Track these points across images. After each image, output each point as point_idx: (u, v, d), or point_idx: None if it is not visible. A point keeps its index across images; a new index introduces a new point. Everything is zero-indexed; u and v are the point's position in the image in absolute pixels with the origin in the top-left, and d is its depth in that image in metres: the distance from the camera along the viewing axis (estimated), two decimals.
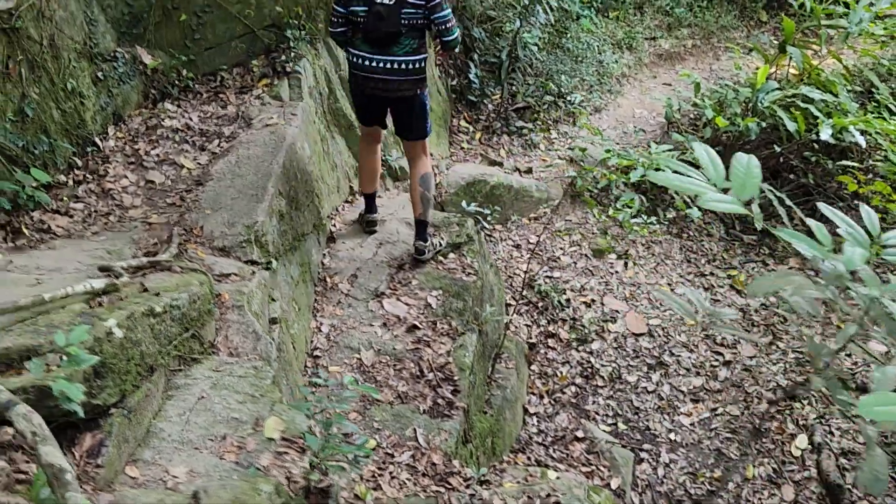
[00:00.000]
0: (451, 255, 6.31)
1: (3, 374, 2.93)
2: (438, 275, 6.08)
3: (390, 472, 4.85)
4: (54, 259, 4.39)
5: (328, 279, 5.94)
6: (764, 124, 8.57)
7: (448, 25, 5.46)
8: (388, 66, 5.52)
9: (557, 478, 5.23)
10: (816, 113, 8.37)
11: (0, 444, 2.62)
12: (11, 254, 4.49)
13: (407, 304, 5.83)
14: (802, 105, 8.48)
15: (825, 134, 7.90)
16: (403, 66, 5.53)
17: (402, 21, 5.38)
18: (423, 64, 5.63)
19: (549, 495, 5.09)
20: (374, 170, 6.38)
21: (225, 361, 4.05)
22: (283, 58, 6.52)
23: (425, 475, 4.92)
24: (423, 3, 5.35)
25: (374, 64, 5.53)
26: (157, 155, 5.77)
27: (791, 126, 8.32)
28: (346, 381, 3.58)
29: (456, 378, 5.43)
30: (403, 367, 5.44)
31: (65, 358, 2.80)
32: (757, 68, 10.08)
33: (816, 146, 8.76)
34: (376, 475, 4.80)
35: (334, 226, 6.52)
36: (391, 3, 5.34)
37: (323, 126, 6.77)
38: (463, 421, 5.32)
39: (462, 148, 9.15)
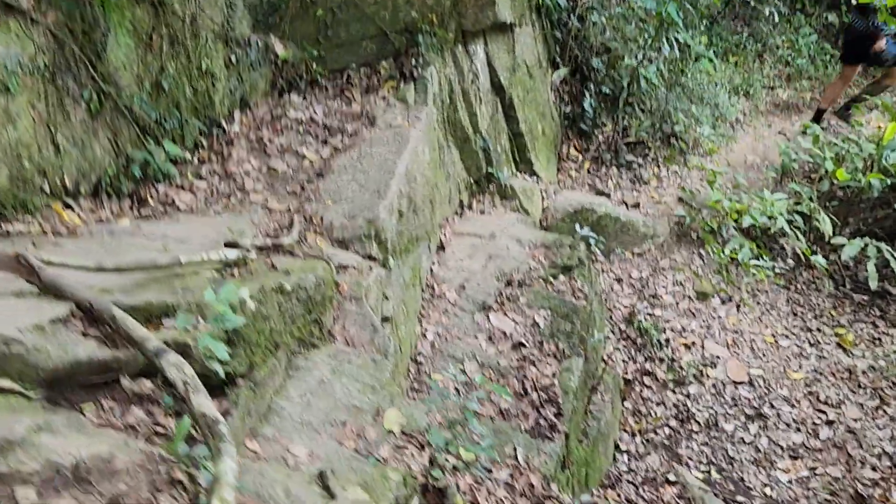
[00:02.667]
0: (562, 277, 6.17)
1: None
2: (548, 294, 5.93)
3: (487, 488, 4.69)
4: (180, 230, 4.37)
5: (436, 286, 5.84)
6: (888, 182, 8.25)
7: None
8: None
9: None
10: None
11: (139, 395, 2.55)
12: (138, 221, 4.48)
13: (514, 321, 5.69)
14: None
15: None
16: None
17: None
18: None
19: None
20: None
21: (342, 350, 3.96)
22: (413, 62, 6.48)
23: (523, 495, 4.74)
24: None
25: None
26: (281, 144, 5.76)
27: None
28: (477, 380, 3.44)
29: (560, 400, 5.26)
30: (507, 384, 5.29)
31: (207, 318, 2.73)
32: (878, 127, 9.77)
33: None
34: (473, 489, 4.64)
35: (444, 235, 6.43)
36: None
37: (441, 135, 6.70)
38: (563, 445, 5.14)
39: (570, 175, 9.02)
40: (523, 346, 5.52)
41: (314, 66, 6.33)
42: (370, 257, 4.87)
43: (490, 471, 4.85)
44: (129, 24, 4.76)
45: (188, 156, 5.35)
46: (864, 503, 6.51)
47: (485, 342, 5.50)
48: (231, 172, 5.39)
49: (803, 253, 8.43)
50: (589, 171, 9.20)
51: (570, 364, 5.47)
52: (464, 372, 5.29)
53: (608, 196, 8.79)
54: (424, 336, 5.47)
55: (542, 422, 5.14)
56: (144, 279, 3.21)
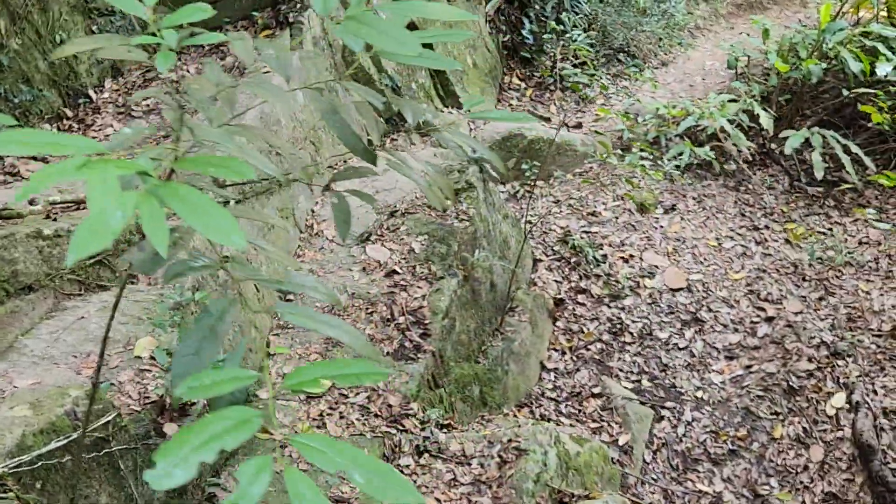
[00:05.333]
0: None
1: None
2: (428, 220, 5.92)
3: (340, 413, 4.76)
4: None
5: (315, 226, 5.89)
6: (825, 65, 7.91)
7: None
8: None
9: (519, 425, 5.01)
10: (885, 51, 7.67)
11: None
12: None
13: (391, 250, 5.71)
14: (870, 44, 7.79)
15: (882, 70, 7.23)
16: None
17: None
18: None
19: (510, 440, 4.89)
20: None
21: (136, 289, 4.06)
22: (286, 8, 6.51)
23: (378, 416, 4.79)
24: None
25: None
26: (147, 104, 5.87)
27: (855, 67, 7.65)
28: (198, 297, 3.50)
29: (427, 321, 5.28)
30: (375, 311, 5.33)
31: None
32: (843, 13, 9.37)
33: (893, 88, 8.00)
34: (324, 414, 4.72)
35: None
36: None
37: (334, 77, 6.71)
38: (431, 365, 5.16)
39: (510, 105, 8.92)
40: (396, 272, 5.54)
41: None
42: None
43: (346, 396, 4.93)
44: None
45: (46, 126, 5.50)
46: (795, 395, 6.36)
47: (358, 273, 5.54)
48: (91, 139, 5.53)
49: (753, 153, 8.21)
50: (532, 99, 9.08)
51: (441, 285, 5.48)
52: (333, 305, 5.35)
53: (548, 120, 8.67)
54: None
55: (406, 344, 5.17)
56: None
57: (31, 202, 4.18)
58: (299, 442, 0.98)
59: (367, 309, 5.34)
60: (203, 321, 1.39)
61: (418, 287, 5.47)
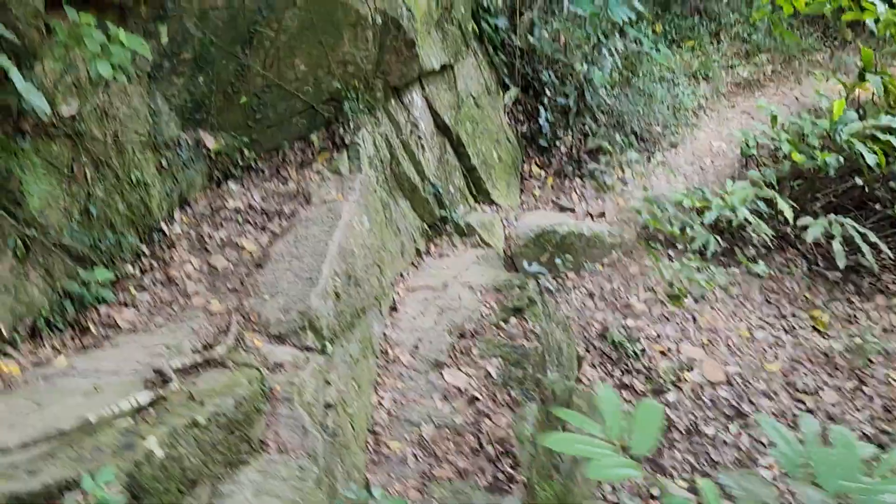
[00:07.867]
0: (513, 320, 6.33)
1: None
2: (499, 342, 6.10)
3: None
4: (114, 360, 4.59)
5: (390, 351, 6.03)
6: (842, 158, 8.30)
7: None
8: None
9: None
10: None
11: None
12: (76, 355, 4.71)
13: (467, 375, 5.87)
14: (883, 137, 8.18)
15: None
16: None
17: None
18: None
19: None
20: None
21: (272, 460, 4.16)
22: (342, 130, 6.67)
23: None
24: None
25: None
26: (221, 238, 5.97)
27: (871, 160, 8.05)
28: (377, 495, 3.63)
29: (515, 451, 5.44)
30: (463, 441, 5.47)
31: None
32: (840, 94, 9.78)
33: None
34: None
35: (397, 293, 6.61)
36: None
37: (385, 192, 6.88)
38: (524, 495, 5.31)
39: (533, 195, 9.16)
40: (477, 399, 5.70)
41: (247, 151, 6.52)
42: (307, 348, 5.06)
43: None
44: (46, 164, 4.98)
45: (129, 269, 5.56)
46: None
47: (440, 402, 5.68)
48: (173, 277, 5.61)
49: (771, 238, 8.54)
50: (552, 187, 9.33)
51: (523, 412, 5.65)
52: (421, 436, 5.49)
53: (572, 210, 8.91)
54: (381, 405, 5.66)
55: (499, 475, 5.32)
56: (52, 449, 3.44)
57: (160, 373, 4.26)
58: None
59: (454, 439, 5.48)
60: None
61: (501, 414, 5.63)
